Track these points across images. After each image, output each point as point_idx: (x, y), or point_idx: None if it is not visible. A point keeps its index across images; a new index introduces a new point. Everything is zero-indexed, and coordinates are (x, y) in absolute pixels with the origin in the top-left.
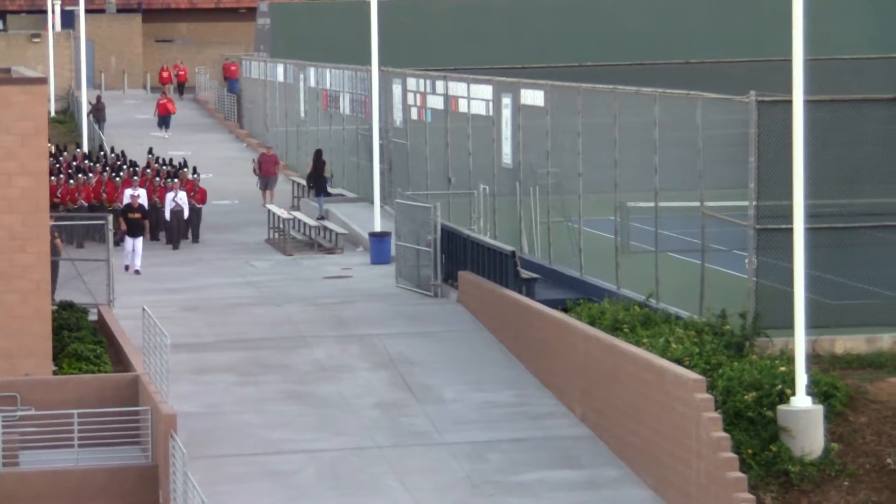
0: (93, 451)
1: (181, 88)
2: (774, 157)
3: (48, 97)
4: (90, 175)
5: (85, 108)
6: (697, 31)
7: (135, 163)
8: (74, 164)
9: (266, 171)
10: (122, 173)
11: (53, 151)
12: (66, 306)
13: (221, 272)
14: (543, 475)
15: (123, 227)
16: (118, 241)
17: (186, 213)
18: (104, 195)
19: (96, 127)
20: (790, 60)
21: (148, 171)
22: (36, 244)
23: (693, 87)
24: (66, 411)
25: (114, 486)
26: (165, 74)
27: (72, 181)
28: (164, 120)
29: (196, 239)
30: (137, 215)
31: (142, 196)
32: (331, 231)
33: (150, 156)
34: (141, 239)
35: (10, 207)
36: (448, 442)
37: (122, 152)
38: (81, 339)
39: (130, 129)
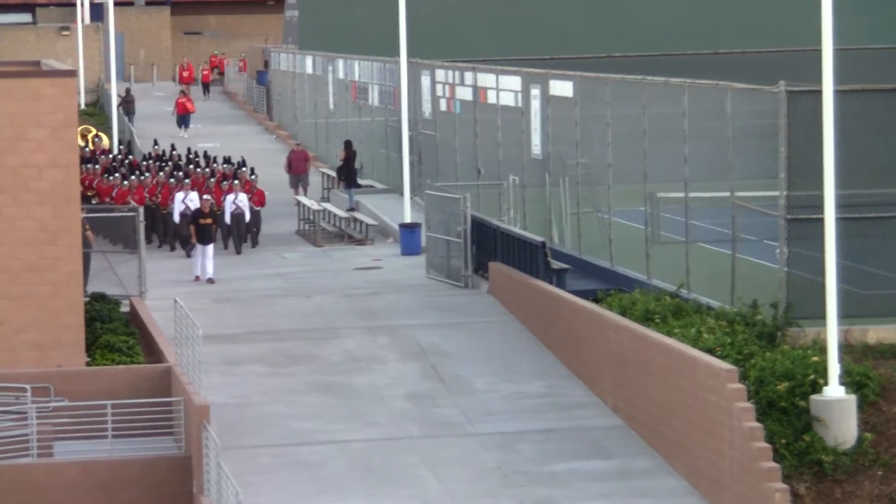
0: (126, 441)
1: (206, 88)
2: (805, 146)
3: (78, 90)
4: (147, 175)
5: (115, 101)
6: (726, 21)
7: (184, 164)
8: (146, 162)
9: (297, 170)
10: (178, 172)
11: (112, 148)
12: (98, 298)
13: (252, 264)
14: (575, 465)
15: (193, 236)
16: (190, 249)
17: (248, 216)
18: (159, 197)
19: (126, 119)
20: (820, 50)
21: (206, 170)
22: (67, 236)
23: (722, 77)
24: (100, 402)
25: (147, 476)
26: (186, 74)
27: (125, 182)
28: (183, 119)
29: (255, 243)
30: (209, 220)
31: (194, 200)
32: (361, 222)
33: (206, 157)
34: (212, 245)
35: (40, 200)
36: (479, 432)
37: (203, 153)
38: (114, 331)
39: (160, 122)
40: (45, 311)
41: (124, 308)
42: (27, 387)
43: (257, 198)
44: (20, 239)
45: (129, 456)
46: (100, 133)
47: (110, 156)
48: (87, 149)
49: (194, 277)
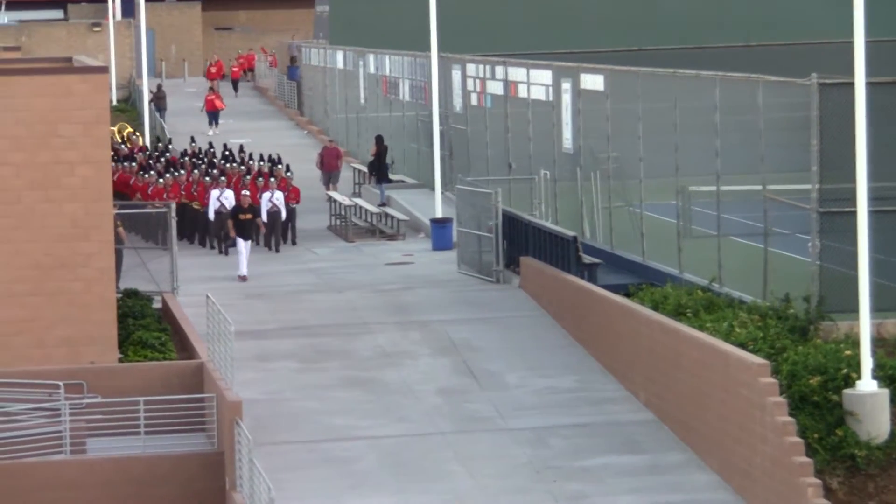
0: (158, 438)
1: (235, 85)
2: (837, 139)
3: (109, 86)
4: (181, 172)
5: (146, 97)
6: (757, 14)
7: (219, 161)
8: (185, 158)
9: (329, 166)
10: (213, 170)
11: (148, 145)
12: (130, 294)
13: (283, 260)
14: (607, 460)
15: (233, 232)
16: (230, 245)
17: (284, 214)
18: (195, 194)
19: (157, 115)
20: (851, 42)
21: (242, 167)
22: (99, 233)
23: (754, 69)
24: (133, 399)
25: (180, 472)
26: (214, 70)
27: (161, 180)
28: (212, 116)
29: (294, 240)
30: (249, 216)
31: (229, 198)
32: (392, 217)
33: (242, 153)
34: (250, 242)
35: (72, 196)
36: (511, 427)
37: (240, 147)
38: (146, 327)
39: (191, 118)
40: (77, 308)
41: (156, 304)
42: (60, 383)
43: (293, 195)
44: (52, 235)
45: (162, 452)
46: (136, 131)
47: (146, 153)
48: (123, 146)
49: (238, 276)
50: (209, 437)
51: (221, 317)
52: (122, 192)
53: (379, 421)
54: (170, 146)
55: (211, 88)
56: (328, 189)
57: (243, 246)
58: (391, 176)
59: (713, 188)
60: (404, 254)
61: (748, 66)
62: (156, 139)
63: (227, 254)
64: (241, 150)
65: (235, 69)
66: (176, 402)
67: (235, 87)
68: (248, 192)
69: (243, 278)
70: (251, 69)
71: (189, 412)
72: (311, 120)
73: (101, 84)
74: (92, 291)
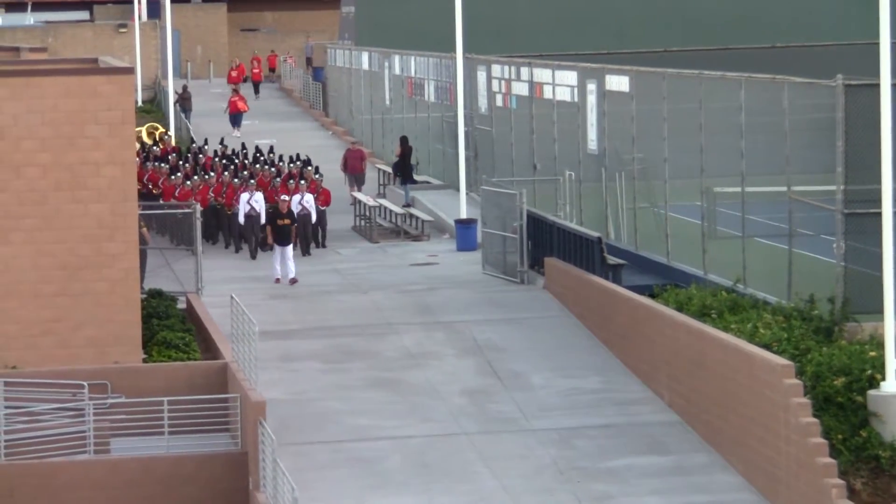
0: (182, 438)
1: (257, 87)
2: (862, 140)
3: (135, 87)
4: (211, 174)
5: (171, 98)
6: (783, 15)
7: (250, 163)
8: (216, 160)
9: (353, 169)
10: (244, 172)
11: (183, 147)
12: (155, 294)
13: (309, 260)
14: (631, 461)
15: (270, 238)
16: (266, 250)
17: (314, 217)
18: (223, 198)
19: (183, 116)
20: (877, 43)
21: (272, 169)
22: (124, 233)
23: (779, 71)
24: (157, 399)
25: (203, 472)
26: (234, 74)
27: (188, 182)
28: (235, 118)
29: (324, 244)
30: (287, 221)
31: (259, 201)
32: (417, 218)
33: (271, 154)
34: (290, 246)
35: (98, 197)
36: (535, 428)
37: (269, 148)
38: (170, 327)
39: (216, 119)
40: (102, 308)
41: (181, 305)
42: (84, 383)
43: (323, 197)
44: (78, 236)
45: (186, 452)
46: (169, 132)
47: (178, 153)
48: (155, 147)
49: (274, 280)
50: (233, 438)
51: (246, 317)
52: (151, 193)
53: (403, 421)
54: (204, 147)
55: (234, 90)
56: (352, 189)
57: (279, 252)
58: (416, 177)
59: (738, 189)
60: (429, 254)
61: (773, 68)
62: (190, 140)
63: (254, 257)
64: (271, 150)
65: (256, 71)
66: (200, 402)
67: (256, 89)
68: (286, 198)
69: (293, 280)
70: (272, 69)
71: (213, 412)
72: (336, 121)
73: (127, 85)
74: (116, 292)
